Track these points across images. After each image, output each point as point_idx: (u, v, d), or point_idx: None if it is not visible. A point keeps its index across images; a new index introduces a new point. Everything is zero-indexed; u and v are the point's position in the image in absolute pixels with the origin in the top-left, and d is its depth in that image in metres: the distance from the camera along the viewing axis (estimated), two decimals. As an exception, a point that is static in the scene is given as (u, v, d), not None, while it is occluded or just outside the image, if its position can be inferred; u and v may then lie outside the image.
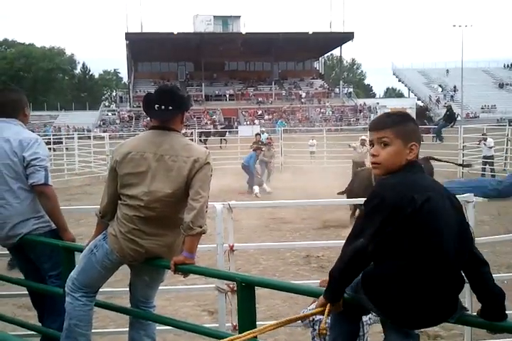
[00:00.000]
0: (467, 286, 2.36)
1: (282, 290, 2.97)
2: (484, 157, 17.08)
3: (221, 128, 37.68)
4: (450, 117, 19.53)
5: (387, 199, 2.14)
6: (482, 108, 61.67)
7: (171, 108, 3.10)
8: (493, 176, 16.69)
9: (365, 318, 3.07)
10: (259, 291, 2.80)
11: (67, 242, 3.65)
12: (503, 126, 20.62)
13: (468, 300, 3.75)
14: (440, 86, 68.05)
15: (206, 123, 53.97)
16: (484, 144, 16.97)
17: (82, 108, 65.56)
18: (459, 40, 57.59)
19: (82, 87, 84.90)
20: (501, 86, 68.19)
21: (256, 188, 15.67)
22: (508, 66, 73.43)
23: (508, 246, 7.38)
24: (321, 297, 2.36)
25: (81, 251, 3.31)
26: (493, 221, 9.31)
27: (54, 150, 21.86)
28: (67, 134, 34.03)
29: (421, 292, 2.13)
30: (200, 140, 29.33)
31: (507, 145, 17.95)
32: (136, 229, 3.05)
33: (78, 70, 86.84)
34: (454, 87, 65.19)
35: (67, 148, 22.36)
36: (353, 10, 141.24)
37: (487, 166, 17.09)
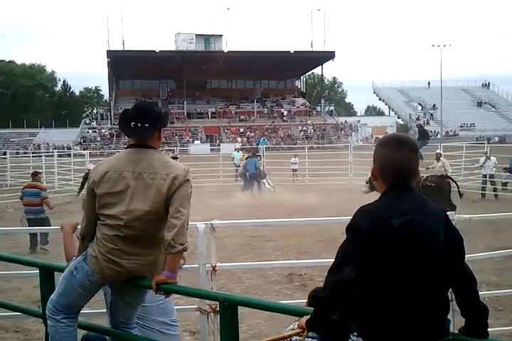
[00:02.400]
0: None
1: (265, 310, 2.96)
2: (485, 175, 17.09)
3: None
4: (424, 135, 19.82)
5: (362, 226, 2.16)
6: (461, 126, 62.65)
7: (147, 125, 3.08)
8: (495, 196, 16.66)
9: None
10: (240, 310, 2.79)
11: (46, 262, 3.60)
12: (482, 143, 20.99)
13: (451, 317, 3.77)
14: (420, 104, 69.08)
15: (188, 140, 53.98)
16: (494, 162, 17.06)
17: (62, 125, 65.07)
18: (438, 59, 58.73)
19: (63, 104, 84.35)
20: (480, 104, 69.47)
21: (265, 183, 18.52)
22: (486, 85, 74.91)
23: (489, 264, 7.45)
24: (303, 320, 2.35)
25: (60, 271, 3.26)
26: (473, 238, 9.39)
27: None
28: (47, 152, 33.74)
29: (403, 315, 2.14)
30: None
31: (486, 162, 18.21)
32: (116, 249, 3.01)
33: (59, 87, 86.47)
34: (434, 105, 66.22)
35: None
36: (333, 29, 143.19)
37: (488, 185, 17.05)
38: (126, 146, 3.26)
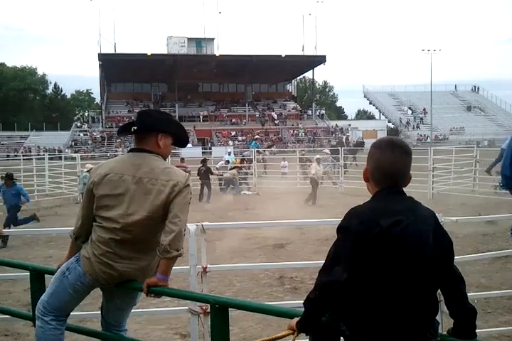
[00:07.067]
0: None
1: (256, 312, 2.96)
2: None
3: (353, 146, 34.41)
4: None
5: (352, 227, 2.17)
6: (451, 130, 62.99)
7: (137, 128, 3.12)
8: None
9: None
10: (232, 313, 2.79)
11: (37, 265, 3.59)
12: (472, 147, 21.07)
13: (439, 318, 3.79)
14: (410, 108, 69.42)
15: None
16: None
17: (53, 128, 64.78)
18: (428, 64, 59.24)
19: (54, 107, 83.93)
20: (469, 108, 69.95)
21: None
22: (475, 89, 75.43)
23: (477, 266, 7.50)
24: (293, 322, 2.35)
25: (51, 274, 3.26)
26: (462, 241, 9.45)
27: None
28: (38, 155, 33.55)
29: (392, 315, 2.15)
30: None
31: (475, 166, 18.30)
32: (110, 252, 3.01)
33: (50, 90, 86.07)
34: (424, 109, 66.58)
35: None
36: (325, 34, 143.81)
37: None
38: (127, 150, 3.31)
